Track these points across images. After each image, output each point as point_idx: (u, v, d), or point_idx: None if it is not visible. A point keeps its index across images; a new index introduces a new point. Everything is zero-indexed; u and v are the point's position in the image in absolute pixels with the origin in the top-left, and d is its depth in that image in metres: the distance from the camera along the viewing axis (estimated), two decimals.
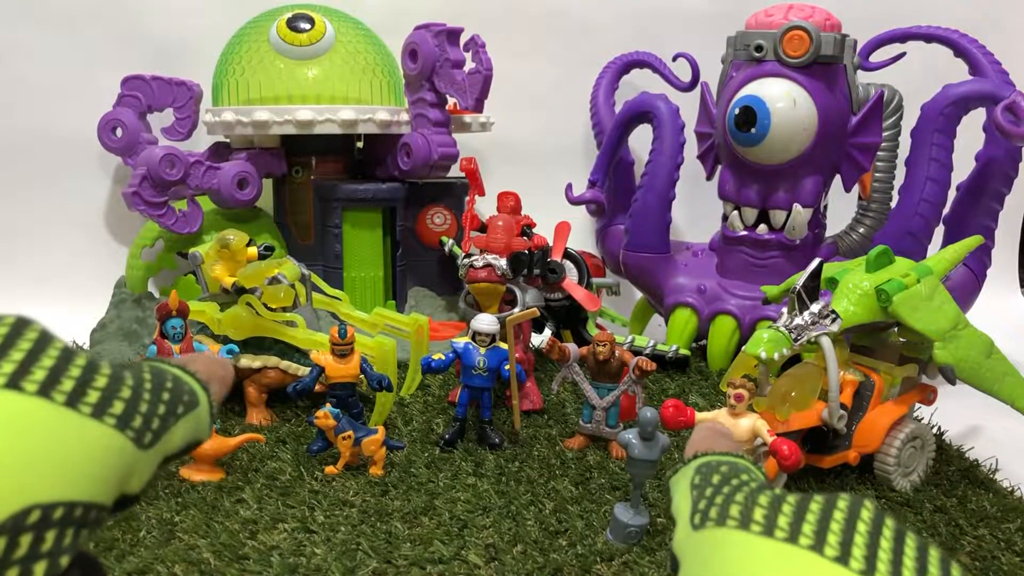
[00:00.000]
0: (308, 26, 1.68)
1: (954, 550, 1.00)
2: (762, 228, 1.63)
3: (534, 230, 1.51)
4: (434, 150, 1.62)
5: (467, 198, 1.66)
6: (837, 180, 1.63)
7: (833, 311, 1.08)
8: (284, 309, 1.33)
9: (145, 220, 1.70)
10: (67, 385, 0.33)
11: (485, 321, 1.24)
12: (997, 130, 1.41)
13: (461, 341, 1.24)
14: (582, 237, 1.95)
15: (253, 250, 1.37)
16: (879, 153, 1.67)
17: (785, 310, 1.08)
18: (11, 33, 1.84)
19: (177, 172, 1.60)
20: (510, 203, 1.55)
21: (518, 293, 1.41)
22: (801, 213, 1.58)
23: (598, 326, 1.67)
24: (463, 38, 1.61)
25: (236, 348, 1.31)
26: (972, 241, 1.33)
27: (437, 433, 1.28)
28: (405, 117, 1.68)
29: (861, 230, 1.76)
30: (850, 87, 1.56)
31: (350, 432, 1.12)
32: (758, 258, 1.64)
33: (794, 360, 1.17)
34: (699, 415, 1.07)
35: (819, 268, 1.10)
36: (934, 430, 1.29)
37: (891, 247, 1.19)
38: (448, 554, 0.94)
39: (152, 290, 1.76)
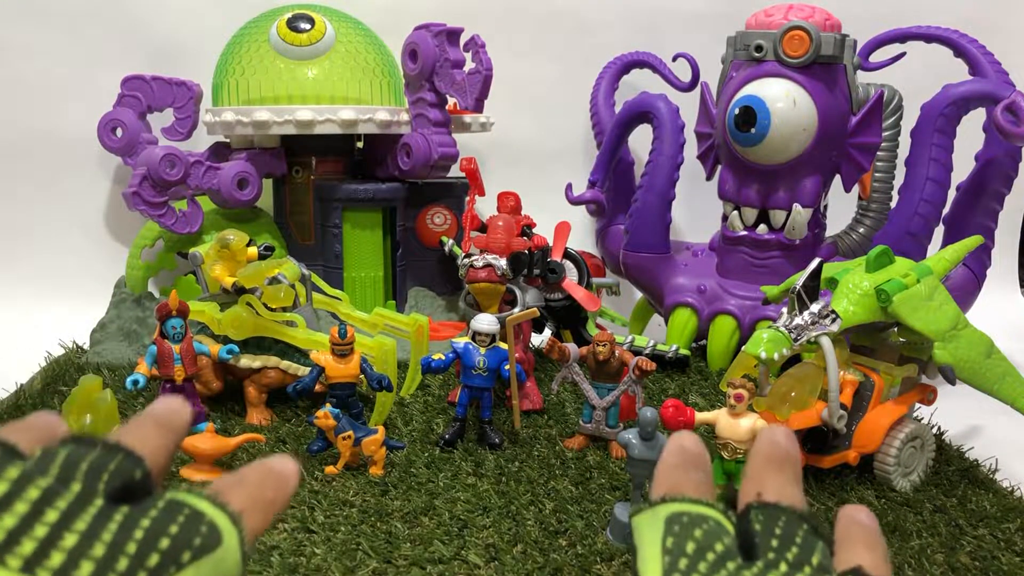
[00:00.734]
0: (308, 26, 1.68)
1: (954, 550, 1.00)
2: (762, 228, 1.63)
3: (534, 230, 1.51)
4: (434, 150, 1.62)
5: (467, 198, 1.66)
6: (837, 180, 1.63)
7: (833, 311, 1.08)
8: (284, 309, 1.33)
9: (145, 220, 1.70)
10: (27, 548, 0.28)
11: (485, 321, 1.24)
12: (997, 130, 1.41)
13: (461, 341, 1.24)
14: (582, 237, 1.95)
15: (253, 250, 1.37)
16: (879, 153, 1.67)
17: (785, 310, 1.08)
18: (11, 33, 1.84)
19: (177, 172, 1.60)
20: (510, 203, 1.55)
21: (518, 293, 1.41)
22: (801, 213, 1.58)
23: (598, 326, 1.67)
24: (463, 38, 1.61)
25: (236, 348, 1.31)
26: (972, 241, 1.33)
27: (437, 433, 1.28)
28: (405, 117, 1.68)
29: (861, 230, 1.76)
30: (850, 87, 1.56)
31: (350, 432, 1.12)
32: (758, 258, 1.65)
33: (794, 360, 1.17)
34: (699, 415, 1.07)
35: (819, 268, 1.10)
36: (934, 430, 1.29)
37: (891, 247, 1.19)
38: (448, 554, 0.94)
39: (152, 290, 1.76)
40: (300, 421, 1.31)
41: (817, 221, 1.64)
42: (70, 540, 0.29)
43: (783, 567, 0.31)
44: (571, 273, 1.63)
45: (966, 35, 1.64)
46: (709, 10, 2.00)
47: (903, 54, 1.69)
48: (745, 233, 1.64)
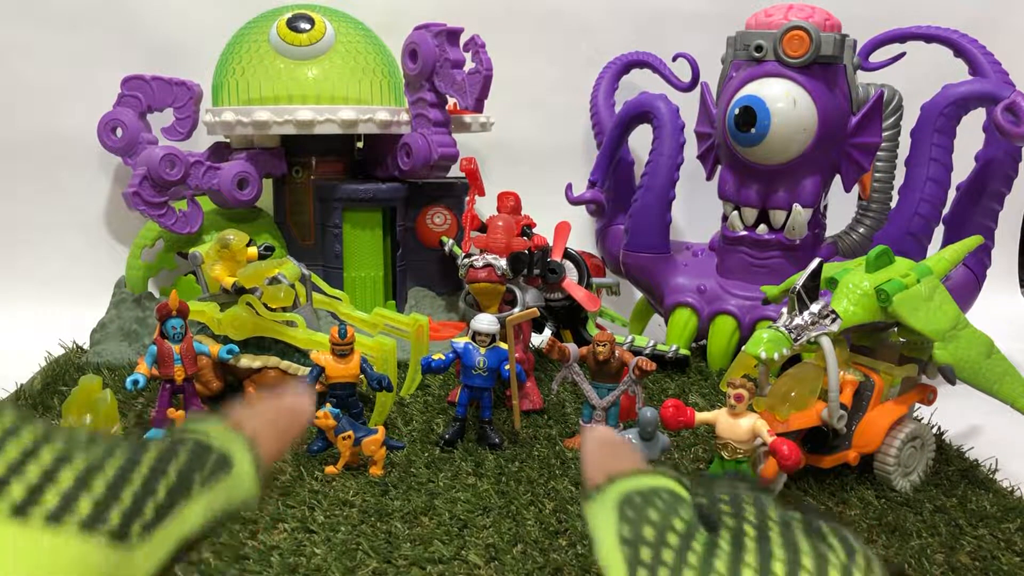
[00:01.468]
0: (308, 26, 1.68)
1: (954, 550, 1.00)
2: (762, 228, 1.63)
3: (534, 230, 1.51)
4: (434, 150, 1.62)
5: (467, 198, 1.66)
6: (837, 180, 1.63)
7: (833, 311, 1.08)
8: (284, 309, 1.33)
9: (145, 220, 1.70)
10: (16, 493, 0.27)
11: (485, 321, 1.24)
12: (997, 130, 1.41)
13: (461, 341, 1.24)
14: (582, 237, 1.95)
15: (253, 250, 1.37)
16: (879, 153, 1.67)
17: (785, 310, 1.08)
18: (11, 33, 1.84)
19: (177, 172, 1.60)
20: (510, 203, 1.55)
21: (518, 293, 1.41)
22: (801, 213, 1.58)
23: (598, 326, 1.67)
24: (463, 38, 1.60)
25: (236, 348, 1.31)
26: (972, 241, 1.33)
27: (437, 433, 1.28)
28: (405, 117, 1.68)
29: (861, 230, 1.76)
30: (850, 87, 1.56)
31: (350, 432, 1.12)
32: (758, 258, 1.64)
33: (794, 360, 1.17)
34: (699, 415, 1.07)
35: (819, 268, 1.10)
36: (934, 430, 1.29)
37: (891, 247, 1.19)
38: (448, 554, 0.94)
39: (152, 290, 1.76)
40: None
41: (817, 221, 1.64)
42: (69, 474, 0.29)
43: (749, 531, 0.30)
44: (571, 273, 1.63)
45: (966, 35, 1.64)
46: (709, 10, 2.00)
47: (903, 54, 1.69)
48: (745, 233, 1.64)
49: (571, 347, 1.25)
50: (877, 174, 1.74)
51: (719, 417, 1.07)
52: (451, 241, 1.72)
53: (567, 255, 1.63)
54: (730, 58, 1.63)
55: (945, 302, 1.15)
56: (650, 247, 1.71)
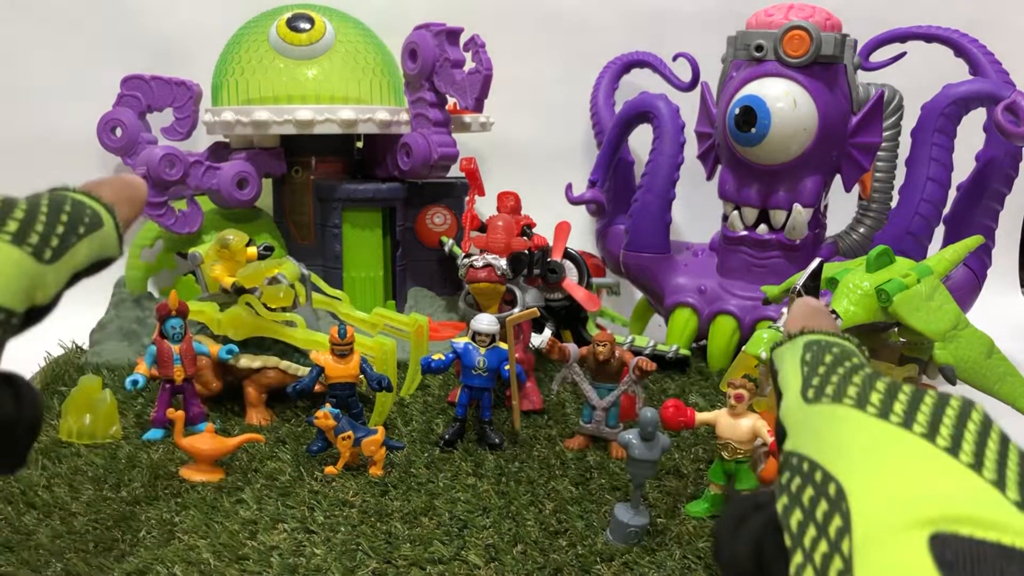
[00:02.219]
0: (308, 26, 1.68)
1: None
2: (762, 228, 1.63)
3: (534, 230, 1.51)
4: (434, 150, 1.62)
5: (467, 198, 1.66)
6: (837, 180, 1.63)
7: (833, 311, 1.07)
8: (284, 309, 1.33)
9: (145, 220, 1.70)
10: None
11: (485, 321, 1.23)
12: (997, 130, 1.41)
13: (461, 341, 1.24)
14: (582, 237, 1.95)
15: (253, 250, 1.36)
16: (879, 153, 1.67)
17: (785, 310, 1.08)
18: (11, 33, 1.84)
19: (177, 172, 1.60)
20: (510, 203, 1.55)
21: (518, 293, 1.41)
22: (801, 213, 1.58)
23: (598, 326, 1.67)
24: (463, 38, 1.60)
25: (236, 348, 1.31)
26: (972, 241, 1.33)
27: (437, 433, 1.27)
28: (405, 117, 1.68)
29: (861, 230, 1.76)
30: (850, 87, 1.56)
31: (350, 432, 1.12)
32: (758, 258, 1.64)
33: None
34: (699, 415, 1.07)
35: (819, 268, 1.10)
36: None
37: (891, 247, 1.19)
38: (448, 554, 0.94)
39: (152, 290, 1.76)
40: (300, 421, 1.31)
41: (817, 221, 1.64)
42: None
43: (907, 388, 0.34)
44: (571, 273, 1.63)
45: (966, 35, 1.64)
46: (709, 10, 2.00)
47: (903, 54, 1.69)
48: (745, 233, 1.64)
49: (571, 347, 1.25)
50: (877, 174, 1.74)
51: (719, 417, 1.07)
52: (451, 241, 1.72)
53: (567, 255, 1.63)
54: (730, 58, 1.63)
55: (946, 302, 1.15)
56: (650, 247, 1.71)
